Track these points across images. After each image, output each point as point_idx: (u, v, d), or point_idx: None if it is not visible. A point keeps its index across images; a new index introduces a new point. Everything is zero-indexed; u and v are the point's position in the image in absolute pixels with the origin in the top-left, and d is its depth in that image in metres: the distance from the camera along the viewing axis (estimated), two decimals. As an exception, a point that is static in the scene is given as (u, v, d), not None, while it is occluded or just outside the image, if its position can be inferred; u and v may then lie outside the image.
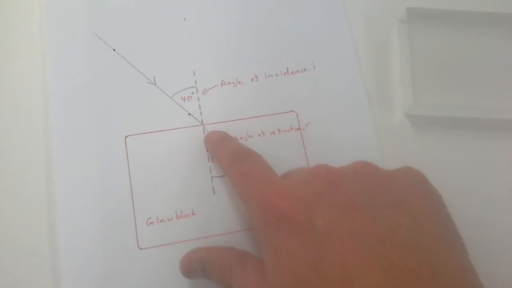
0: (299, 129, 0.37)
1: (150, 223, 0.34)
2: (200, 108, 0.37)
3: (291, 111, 0.37)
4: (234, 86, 0.38)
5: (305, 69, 0.38)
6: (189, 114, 0.37)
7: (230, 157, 0.31)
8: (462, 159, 0.37)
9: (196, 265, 0.31)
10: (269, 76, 0.38)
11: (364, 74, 0.39)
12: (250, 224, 0.34)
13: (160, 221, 0.34)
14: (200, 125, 0.36)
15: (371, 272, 0.21)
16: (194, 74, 0.38)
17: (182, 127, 0.36)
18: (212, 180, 0.35)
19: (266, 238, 0.25)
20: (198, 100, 0.37)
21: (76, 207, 0.34)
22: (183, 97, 0.37)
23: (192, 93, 0.37)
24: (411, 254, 0.22)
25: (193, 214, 0.34)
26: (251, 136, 0.36)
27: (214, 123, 0.36)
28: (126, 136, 0.35)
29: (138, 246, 0.33)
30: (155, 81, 0.37)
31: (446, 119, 0.38)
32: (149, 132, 0.36)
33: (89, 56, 0.37)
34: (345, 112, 0.38)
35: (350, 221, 0.23)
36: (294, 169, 0.30)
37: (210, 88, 0.37)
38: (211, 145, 0.35)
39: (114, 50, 0.38)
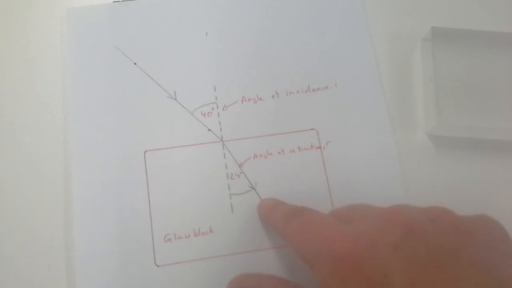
0: (319, 147, 0.36)
1: (168, 239, 0.33)
2: (220, 124, 0.37)
3: (312, 129, 0.37)
4: (254, 102, 0.37)
5: (326, 87, 0.38)
6: (209, 130, 0.36)
7: (285, 216, 0.29)
8: (484, 182, 0.37)
9: None
10: (290, 93, 0.38)
11: (387, 92, 0.38)
12: (308, 275, 0.32)
13: (178, 238, 0.34)
14: (219, 142, 0.36)
15: None
16: (215, 90, 0.37)
17: (201, 143, 0.36)
18: (230, 198, 0.35)
19: None
20: (218, 116, 0.37)
21: (94, 222, 0.33)
22: (203, 113, 0.37)
23: (213, 109, 0.37)
24: None
25: (211, 231, 0.34)
26: (270, 154, 0.36)
27: (234, 139, 0.36)
28: (145, 151, 0.35)
29: (155, 263, 0.33)
30: (175, 96, 0.37)
31: (469, 140, 0.37)
32: (169, 148, 0.36)
33: (110, 69, 0.37)
34: (367, 131, 0.37)
35: (432, 280, 0.21)
36: (358, 207, 0.27)
37: (231, 104, 0.37)
38: (264, 211, 0.33)
39: (135, 64, 0.38)
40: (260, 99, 0.37)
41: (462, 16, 0.41)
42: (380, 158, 0.36)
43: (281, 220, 0.29)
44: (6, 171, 0.35)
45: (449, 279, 0.21)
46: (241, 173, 0.35)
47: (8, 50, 0.38)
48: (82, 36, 0.38)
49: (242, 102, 0.37)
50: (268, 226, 0.34)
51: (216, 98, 0.37)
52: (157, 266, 0.33)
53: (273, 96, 0.38)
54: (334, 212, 0.28)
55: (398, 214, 0.24)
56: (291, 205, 0.31)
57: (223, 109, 0.37)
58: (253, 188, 0.35)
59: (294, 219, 0.27)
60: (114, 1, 0.39)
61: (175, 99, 0.37)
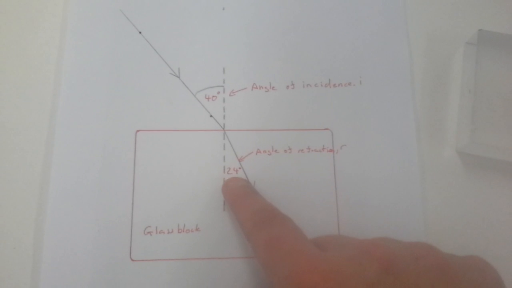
0: (332, 150, 0.32)
1: (148, 232, 0.30)
2: (224, 110, 0.33)
3: (326, 129, 0.33)
4: (266, 91, 0.33)
5: (349, 83, 0.34)
6: (211, 116, 0.32)
7: (254, 219, 0.25)
8: (517, 213, 0.32)
9: None
10: (307, 86, 0.33)
11: (417, 98, 0.34)
12: None
13: (159, 232, 0.30)
14: (221, 130, 0.32)
15: None
16: (224, 72, 0.33)
17: (200, 130, 0.32)
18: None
19: None
20: (224, 101, 0.33)
21: (69, 203, 0.30)
22: (207, 96, 0.33)
23: (218, 92, 0.33)
24: None
25: (197, 229, 0.30)
26: (276, 151, 0.32)
27: (237, 130, 0.32)
28: (137, 131, 0.32)
29: (131, 257, 0.29)
30: (179, 73, 0.33)
31: (505, 164, 0.32)
32: (163, 130, 0.32)
33: (112, 35, 0.34)
34: (388, 139, 0.33)
35: None
36: (334, 237, 0.26)
37: (239, 90, 0.33)
38: (231, 198, 0.30)
39: (140, 32, 0.34)
40: (273, 88, 0.33)
41: (515, 22, 0.36)
42: (399, 172, 0.32)
43: (249, 221, 0.26)
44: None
45: None
46: (240, 168, 0.31)
47: (6, 6, 0.35)
48: (87, -4, 0.34)
49: (252, 89, 0.33)
50: (233, 215, 0.30)
51: (223, 81, 0.33)
52: (132, 260, 0.29)
53: (287, 87, 0.33)
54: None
55: (378, 247, 0.21)
56: (263, 203, 0.27)
57: (229, 95, 0.33)
58: (251, 187, 0.31)
59: (264, 226, 0.24)
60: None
61: (178, 77, 0.33)
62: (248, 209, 0.27)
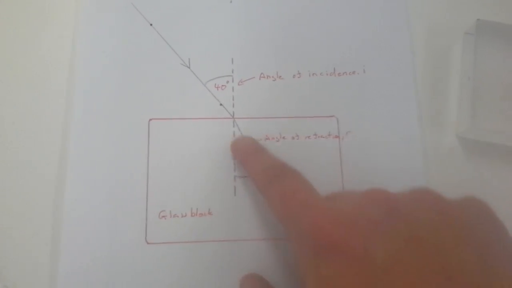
0: (337, 137, 0.33)
1: (162, 216, 0.31)
2: (233, 99, 0.34)
3: (332, 116, 0.34)
4: (273, 80, 0.34)
5: (353, 72, 0.35)
6: (221, 104, 0.34)
7: (267, 173, 0.27)
8: (516, 196, 0.33)
9: None
10: (313, 75, 0.35)
11: (419, 86, 0.35)
12: (291, 250, 0.30)
13: (173, 216, 0.31)
14: (230, 118, 0.33)
15: None
16: (232, 62, 0.35)
17: (211, 118, 0.33)
18: (235, 180, 0.32)
19: (315, 268, 0.22)
20: (233, 90, 0.34)
21: (86, 188, 0.31)
22: (216, 86, 0.34)
23: (227, 82, 0.34)
24: None
25: (209, 213, 0.31)
26: (283, 138, 0.33)
27: (246, 118, 0.33)
28: (150, 119, 0.33)
29: (146, 240, 0.30)
30: (189, 64, 0.34)
31: (504, 148, 0.34)
32: (175, 118, 0.33)
33: (124, 28, 0.35)
34: (392, 126, 0.34)
35: (413, 254, 0.20)
36: (340, 192, 0.28)
37: (247, 80, 0.34)
38: (241, 155, 0.32)
39: (151, 25, 0.35)
40: (280, 77, 0.34)
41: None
42: (403, 156, 0.33)
43: (260, 176, 0.28)
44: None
45: (431, 253, 0.20)
46: (249, 154, 0.33)
47: (20, 0, 0.36)
48: (98, -10, 0.36)
49: (260, 79, 0.34)
50: (245, 171, 0.32)
51: (232, 71, 0.34)
52: (148, 243, 0.30)
53: (294, 76, 0.35)
54: None
55: (380, 193, 0.23)
56: (273, 159, 0.29)
57: (238, 84, 0.34)
58: (260, 172, 0.32)
59: (276, 180, 0.26)
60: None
61: (189, 67, 0.34)
62: (259, 165, 0.29)
